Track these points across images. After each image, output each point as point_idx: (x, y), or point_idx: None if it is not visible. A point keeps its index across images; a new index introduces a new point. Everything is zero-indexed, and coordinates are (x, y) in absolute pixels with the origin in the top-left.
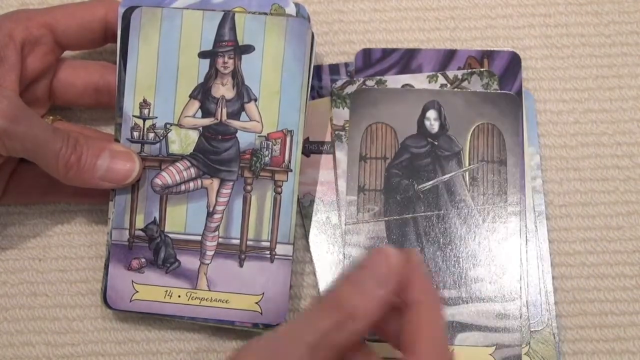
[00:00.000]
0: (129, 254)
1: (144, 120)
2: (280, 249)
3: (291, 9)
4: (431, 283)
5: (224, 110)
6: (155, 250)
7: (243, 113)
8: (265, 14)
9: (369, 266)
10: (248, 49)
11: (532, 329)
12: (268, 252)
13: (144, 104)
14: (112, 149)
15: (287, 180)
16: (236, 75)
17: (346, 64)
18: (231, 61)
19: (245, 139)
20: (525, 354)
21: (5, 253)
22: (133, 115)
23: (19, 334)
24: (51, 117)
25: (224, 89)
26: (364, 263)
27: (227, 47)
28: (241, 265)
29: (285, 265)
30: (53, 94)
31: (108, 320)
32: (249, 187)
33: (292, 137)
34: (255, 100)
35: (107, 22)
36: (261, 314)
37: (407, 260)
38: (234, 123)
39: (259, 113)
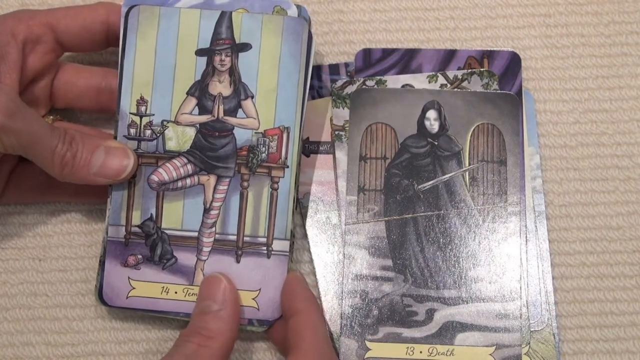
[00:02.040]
0: (125, 250)
1: (141, 117)
2: (277, 245)
3: (293, 11)
4: (311, 294)
5: (221, 107)
6: (152, 246)
7: (240, 110)
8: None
9: (209, 295)
10: (245, 46)
11: (532, 329)
12: (265, 248)
13: (141, 101)
14: (107, 145)
15: (283, 177)
16: (233, 72)
17: (346, 64)
18: (228, 59)
19: (242, 136)
20: (525, 354)
21: (5, 253)
22: (130, 113)
23: (19, 334)
24: (51, 117)
25: (221, 86)
26: (203, 294)
27: (224, 45)
28: (238, 261)
29: (282, 261)
30: (54, 95)
31: (108, 320)
32: (245, 184)
33: (288, 133)
34: (252, 97)
35: (109, 25)
36: (258, 309)
37: (292, 277)
38: (231, 120)
39: (256, 110)
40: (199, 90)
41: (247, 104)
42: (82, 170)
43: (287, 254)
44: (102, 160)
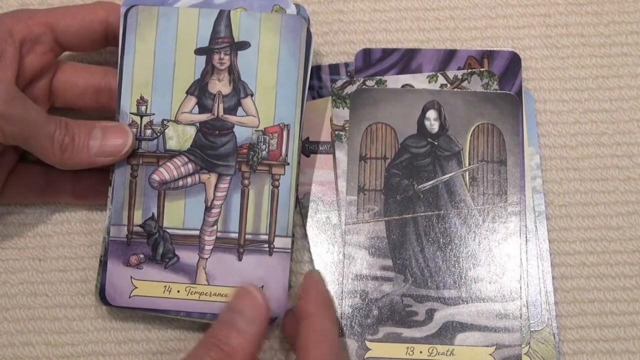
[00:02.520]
0: (127, 250)
1: (141, 117)
2: (278, 242)
3: (292, 10)
4: (326, 297)
5: (221, 106)
6: (154, 245)
7: (240, 108)
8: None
9: (239, 308)
10: (244, 45)
11: (532, 329)
12: (266, 246)
13: (141, 101)
14: (103, 126)
15: (284, 174)
16: (232, 71)
17: (346, 64)
18: (227, 57)
19: (242, 134)
20: (525, 354)
21: (5, 253)
22: (130, 112)
23: (19, 334)
24: None
25: (220, 85)
26: (234, 305)
27: (223, 44)
28: (240, 259)
29: (283, 258)
30: (53, 94)
31: (108, 320)
32: (246, 182)
33: (288, 131)
34: (252, 95)
35: (108, 24)
36: None
37: (308, 277)
38: (231, 118)
39: (256, 108)
40: (199, 89)
41: (247, 102)
42: (83, 153)
43: (289, 251)
44: (100, 140)
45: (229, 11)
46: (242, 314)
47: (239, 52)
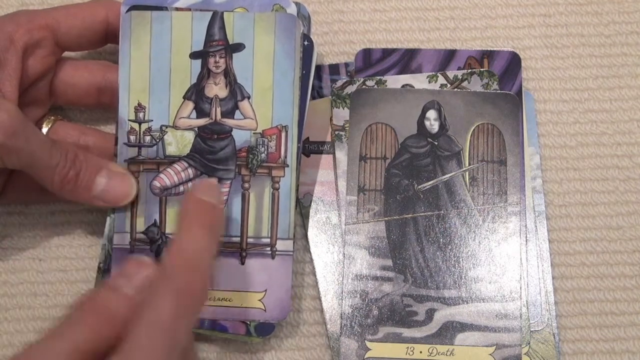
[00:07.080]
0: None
1: (140, 123)
2: (280, 245)
3: (292, 9)
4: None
5: (218, 110)
6: (157, 252)
7: (237, 111)
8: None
9: (128, 275)
10: (238, 47)
11: (532, 329)
12: (269, 249)
13: (139, 107)
14: (110, 169)
15: (284, 176)
16: (228, 74)
17: (346, 64)
18: (222, 60)
19: (240, 137)
20: (525, 354)
21: (5, 253)
22: (128, 120)
23: (19, 334)
24: (52, 117)
25: (217, 89)
26: (124, 270)
27: (217, 47)
28: (243, 263)
29: (286, 261)
30: (54, 93)
31: None
32: (246, 185)
33: (287, 132)
34: (249, 97)
35: (108, 24)
36: (265, 310)
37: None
38: (229, 122)
39: (253, 110)
40: (196, 94)
41: (244, 104)
42: (84, 192)
43: (292, 253)
44: (104, 184)
45: (222, 13)
46: (130, 278)
47: (234, 55)
